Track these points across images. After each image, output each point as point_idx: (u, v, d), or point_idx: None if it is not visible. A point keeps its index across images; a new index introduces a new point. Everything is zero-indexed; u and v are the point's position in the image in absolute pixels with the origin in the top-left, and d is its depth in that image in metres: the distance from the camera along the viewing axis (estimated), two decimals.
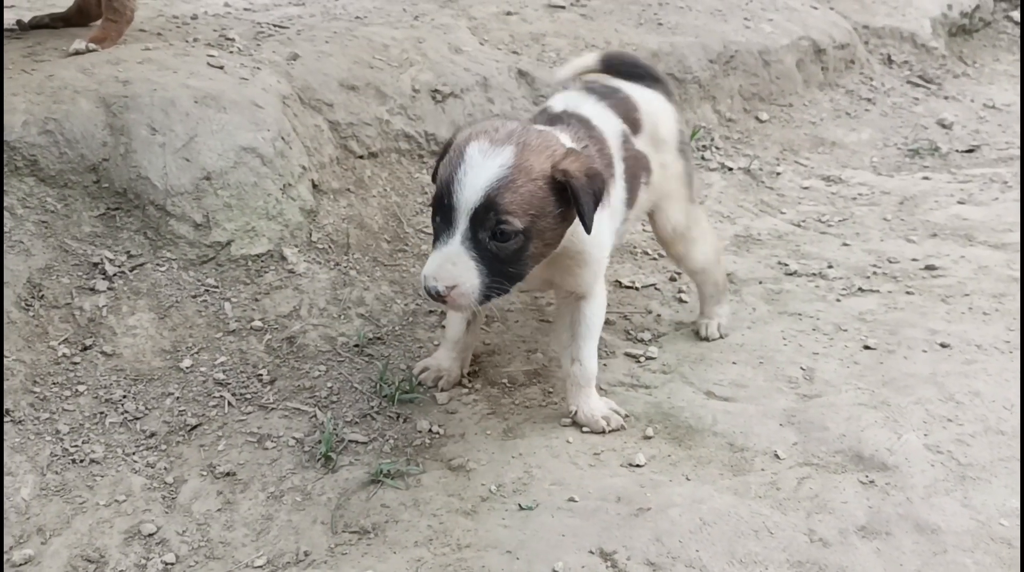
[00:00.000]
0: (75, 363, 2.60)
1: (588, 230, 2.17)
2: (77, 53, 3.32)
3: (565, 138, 2.35)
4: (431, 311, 3.10)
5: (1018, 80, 6.40)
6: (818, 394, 2.68)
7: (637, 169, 2.67)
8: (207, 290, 2.86)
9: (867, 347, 2.93)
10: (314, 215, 3.20)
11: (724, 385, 2.75)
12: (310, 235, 3.14)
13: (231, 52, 3.59)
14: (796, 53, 5.28)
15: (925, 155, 4.89)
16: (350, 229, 3.26)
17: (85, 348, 2.64)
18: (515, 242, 2.13)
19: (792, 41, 5.29)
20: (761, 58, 5.06)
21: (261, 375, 2.70)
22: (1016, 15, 7.58)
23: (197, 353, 2.72)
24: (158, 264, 2.86)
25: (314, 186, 3.27)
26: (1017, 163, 4.71)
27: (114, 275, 2.79)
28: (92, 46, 3.35)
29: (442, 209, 2.13)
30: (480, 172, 2.10)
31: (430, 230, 3.47)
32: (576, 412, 2.58)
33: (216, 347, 2.75)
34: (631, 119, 2.69)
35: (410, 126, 3.74)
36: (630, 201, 2.64)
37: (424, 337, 2.98)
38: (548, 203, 2.14)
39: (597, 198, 2.19)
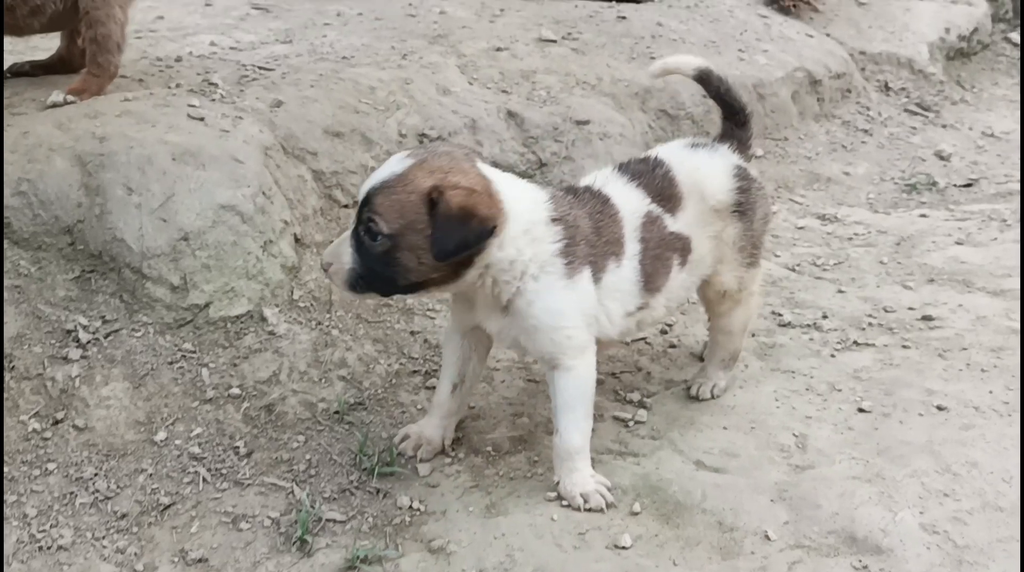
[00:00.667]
0: (45, 439, 2.53)
1: (435, 256, 2.23)
2: (55, 106, 3.26)
3: (541, 199, 2.42)
4: (415, 371, 3.03)
5: (1017, 106, 6.34)
6: (810, 465, 2.60)
7: (666, 251, 2.62)
8: (184, 356, 2.79)
9: (861, 409, 2.86)
10: (296, 271, 3.13)
11: (714, 454, 2.68)
12: (291, 293, 3.07)
13: (213, 100, 3.53)
14: (791, 85, 5.22)
15: (922, 190, 4.82)
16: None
17: (56, 422, 2.57)
18: (381, 244, 2.25)
19: (787, 73, 5.23)
20: (756, 91, 4.99)
21: (238, 447, 2.63)
22: (1015, 36, 7.52)
23: (172, 424, 2.65)
24: (134, 329, 2.79)
25: (296, 240, 3.20)
26: (1016, 199, 4.64)
27: (88, 342, 2.72)
28: (71, 98, 3.29)
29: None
30: (377, 174, 2.29)
31: None
32: (558, 483, 2.51)
33: (192, 417, 2.68)
34: (667, 197, 2.65)
35: None
36: (649, 285, 2.59)
37: (407, 401, 2.91)
38: (420, 219, 2.22)
39: (467, 237, 2.23)
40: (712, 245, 2.72)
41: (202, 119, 3.28)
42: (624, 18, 5.32)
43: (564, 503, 2.47)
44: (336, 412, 2.79)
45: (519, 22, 5.12)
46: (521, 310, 2.39)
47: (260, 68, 4.00)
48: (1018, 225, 4.24)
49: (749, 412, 2.87)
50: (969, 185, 4.93)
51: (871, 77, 6.10)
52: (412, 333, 3.19)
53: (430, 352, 3.13)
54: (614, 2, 5.70)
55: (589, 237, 2.45)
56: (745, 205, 2.73)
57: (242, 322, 2.93)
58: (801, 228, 4.30)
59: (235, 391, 2.76)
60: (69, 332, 2.73)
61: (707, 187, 2.68)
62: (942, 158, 5.28)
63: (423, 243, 2.23)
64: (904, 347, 3.23)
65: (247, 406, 2.74)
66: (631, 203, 2.58)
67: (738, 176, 2.74)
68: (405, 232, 2.23)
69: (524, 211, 2.37)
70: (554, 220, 2.41)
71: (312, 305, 3.09)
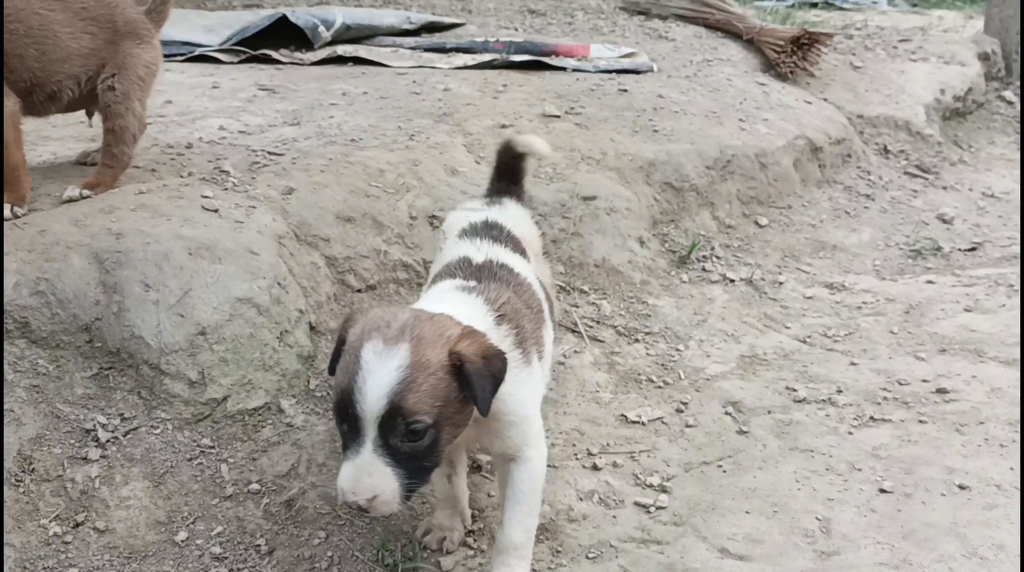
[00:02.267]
0: (66, 543, 2.51)
1: (483, 412, 2.11)
2: (71, 200, 3.29)
3: (477, 307, 2.36)
4: None
5: (1015, 165, 6.40)
6: (836, 551, 2.58)
7: (552, 304, 2.80)
8: (203, 451, 2.79)
9: (883, 490, 2.85)
10: (312, 360, 3.14)
11: (738, 540, 2.66)
12: (308, 383, 3.07)
13: (225, 189, 3.56)
14: (793, 153, 5.28)
15: (927, 255, 4.85)
16: None
17: (77, 524, 2.55)
18: (428, 437, 2.08)
19: (788, 141, 5.29)
20: (758, 161, 5.04)
21: (259, 546, 2.61)
22: (1008, 95, 7.63)
23: (193, 523, 2.63)
24: (152, 426, 2.79)
25: (311, 328, 3.22)
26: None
27: (107, 441, 2.72)
28: (86, 193, 3.32)
29: (347, 418, 2.06)
30: (379, 378, 2.03)
31: None
32: None
33: (212, 515, 2.66)
34: (523, 253, 2.83)
35: (408, 255, 3.70)
36: (553, 338, 2.74)
37: (425, 489, 2.89)
38: (452, 390, 2.10)
39: (496, 379, 2.15)
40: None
41: (216, 210, 3.31)
42: (625, 91, 5.40)
43: None
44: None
45: (522, 98, 5.19)
46: (497, 411, 2.25)
47: (270, 153, 4.04)
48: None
49: (771, 494, 2.86)
50: (973, 249, 4.96)
51: (870, 140, 6.18)
52: None
53: None
54: (615, 74, 5.79)
55: (526, 314, 2.49)
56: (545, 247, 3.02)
57: (260, 415, 2.93)
58: (810, 298, 4.32)
59: (255, 486, 2.75)
60: (88, 431, 2.73)
61: (532, 238, 2.95)
62: (945, 221, 5.32)
63: (457, 409, 2.12)
64: (921, 422, 3.22)
65: (267, 502, 2.73)
66: (525, 269, 2.71)
67: (536, 223, 3.07)
68: (443, 411, 2.08)
69: (477, 324, 2.27)
70: (498, 319, 2.37)
71: (328, 393, 3.09)
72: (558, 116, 4.96)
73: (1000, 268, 4.62)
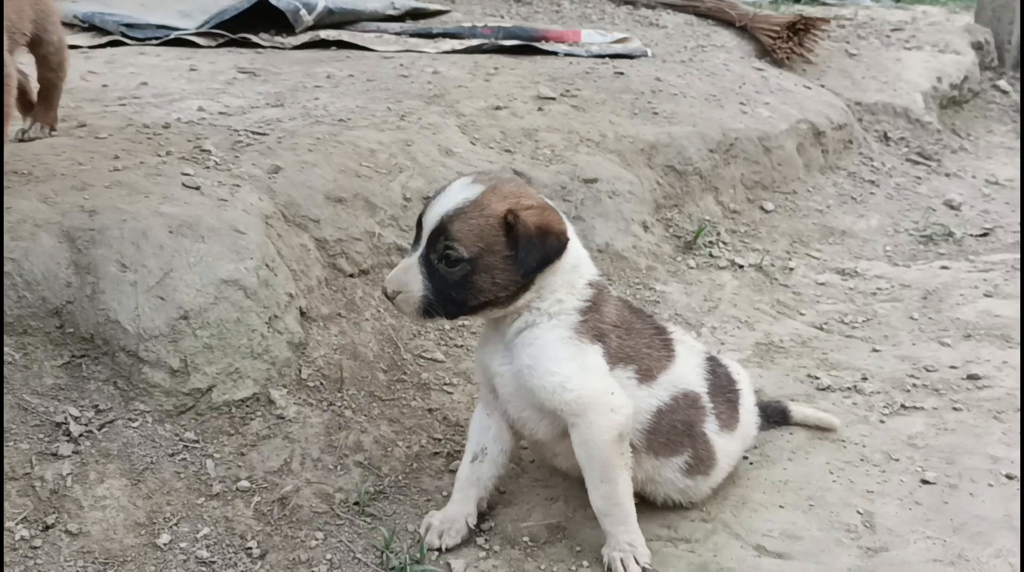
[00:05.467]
0: (35, 548, 2.25)
1: (521, 275, 2.27)
2: (38, 138, 3.44)
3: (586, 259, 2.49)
4: (436, 453, 2.79)
5: (1015, 153, 6.27)
6: (884, 547, 2.37)
7: None
8: (186, 446, 2.53)
9: (925, 481, 2.65)
10: (303, 348, 2.89)
11: (775, 536, 2.44)
12: (299, 372, 2.83)
13: (207, 167, 3.31)
14: (796, 137, 5.09)
15: (939, 241, 4.69)
16: (343, 360, 2.96)
17: (47, 527, 2.29)
18: (460, 269, 2.27)
19: (791, 125, 5.11)
20: (761, 145, 4.85)
21: (250, 548, 2.36)
22: (1003, 84, 7.52)
23: (176, 524, 2.38)
24: (130, 419, 2.54)
25: (302, 314, 2.97)
26: None
27: (80, 436, 2.46)
28: (47, 130, 3.48)
29: (416, 226, 2.36)
30: (445, 201, 2.30)
31: (429, 356, 3.20)
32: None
33: (198, 516, 2.41)
34: None
35: (402, 238, 3.46)
36: None
37: (431, 486, 2.67)
38: (498, 242, 2.26)
39: (545, 255, 2.28)
40: None
41: (198, 188, 3.06)
42: (622, 74, 5.19)
43: None
44: (356, 503, 2.54)
45: (515, 80, 4.97)
46: (531, 379, 2.34)
47: (253, 133, 3.79)
48: None
49: (804, 487, 2.65)
50: (985, 234, 4.80)
51: (869, 127, 6.02)
52: (430, 410, 2.96)
53: (450, 431, 2.90)
54: (608, 58, 5.59)
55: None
56: None
57: (248, 406, 2.68)
58: (822, 284, 4.12)
59: (244, 484, 2.51)
60: (59, 425, 2.47)
61: None
62: (952, 207, 5.16)
63: (499, 264, 2.27)
64: (955, 409, 3.03)
65: (258, 500, 2.48)
66: None
67: None
68: (483, 255, 2.26)
69: (576, 252, 2.42)
70: (590, 284, 2.43)
71: (321, 384, 2.85)
72: (553, 98, 4.74)
73: (1015, 253, 4.46)
